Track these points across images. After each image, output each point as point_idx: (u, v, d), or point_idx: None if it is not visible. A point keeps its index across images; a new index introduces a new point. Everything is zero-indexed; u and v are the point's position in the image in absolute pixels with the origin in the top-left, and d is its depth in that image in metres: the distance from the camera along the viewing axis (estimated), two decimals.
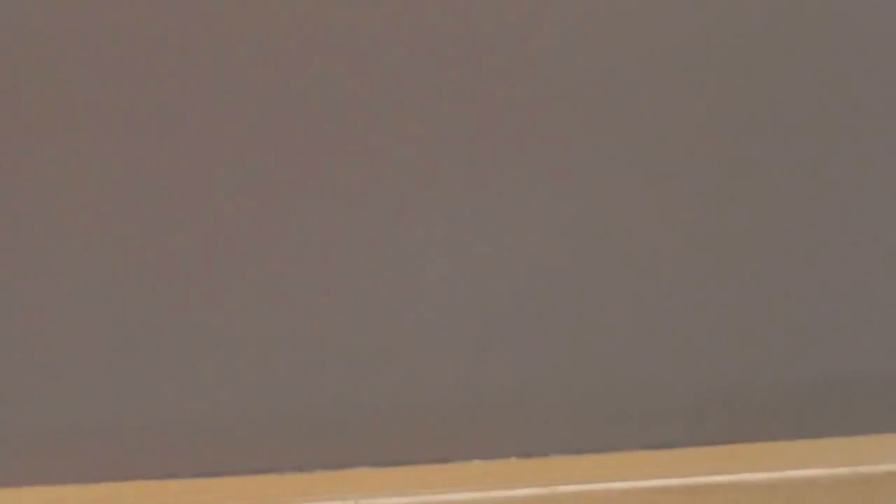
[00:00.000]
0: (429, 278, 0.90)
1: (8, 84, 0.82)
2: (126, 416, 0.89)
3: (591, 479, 0.93)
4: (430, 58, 0.86)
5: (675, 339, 0.94)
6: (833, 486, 0.95)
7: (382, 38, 0.85)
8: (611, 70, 0.88)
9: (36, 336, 0.88)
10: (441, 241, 0.90)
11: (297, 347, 0.90)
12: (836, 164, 0.91)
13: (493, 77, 0.87)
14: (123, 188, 0.86)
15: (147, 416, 0.90)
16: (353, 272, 0.90)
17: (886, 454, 0.96)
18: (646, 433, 0.96)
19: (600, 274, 0.91)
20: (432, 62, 0.86)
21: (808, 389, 0.96)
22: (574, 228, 0.91)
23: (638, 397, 0.95)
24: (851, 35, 0.89)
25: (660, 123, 0.89)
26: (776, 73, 0.89)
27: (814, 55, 0.89)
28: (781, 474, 0.94)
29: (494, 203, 0.89)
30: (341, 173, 0.87)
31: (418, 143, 0.88)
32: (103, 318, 0.88)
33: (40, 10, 0.81)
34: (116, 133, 0.85)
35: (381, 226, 0.89)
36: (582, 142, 0.89)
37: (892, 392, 0.97)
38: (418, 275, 0.89)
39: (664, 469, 0.94)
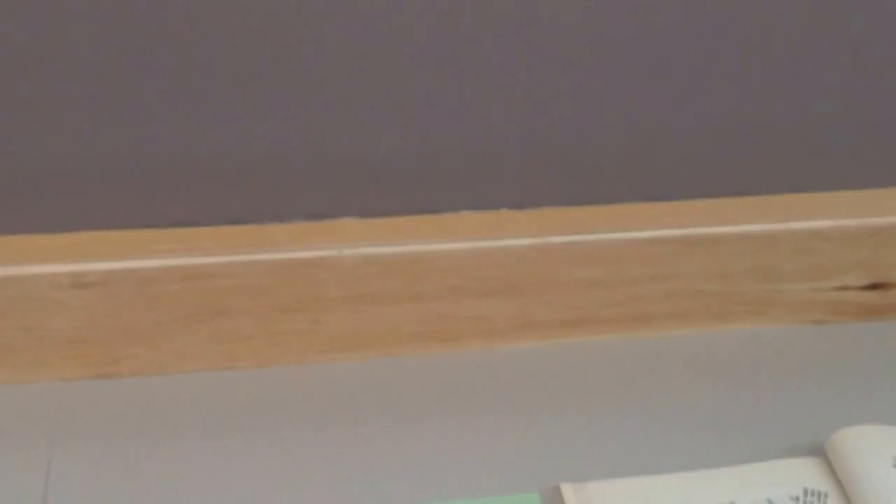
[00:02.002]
0: (415, 16, 0.84)
1: None
2: (97, 162, 0.85)
3: (585, 230, 0.89)
4: None
5: (674, 84, 0.88)
6: (840, 238, 0.91)
7: None
8: None
9: None
10: None
11: (275, 90, 0.85)
12: None
13: None
14: None
15: (121, 163, 0.85)
16: None
17: None
18: (644, 185, 0.92)
19: (595, 13, 0.85)
20: None
21: (813, 140, 0.92)
22: None
23: (636, 146, 0.90)
24: None
25: None
26: None
27: None
28: (785, 226, 0.90)
29: None
30: None
31: None
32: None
33: None
34: None
35: None
36: None
37: None
38: (405, 5, 0.84)
39: (662, 220, 0.90)
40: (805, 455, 0.84)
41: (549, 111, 0.88)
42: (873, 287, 0.94)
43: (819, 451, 0.84)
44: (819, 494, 0.81)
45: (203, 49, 0.83)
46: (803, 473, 0.83)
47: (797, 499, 0.81)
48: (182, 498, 0.80)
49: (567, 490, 0.81)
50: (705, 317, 0.93)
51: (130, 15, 0.81)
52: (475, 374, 0.90)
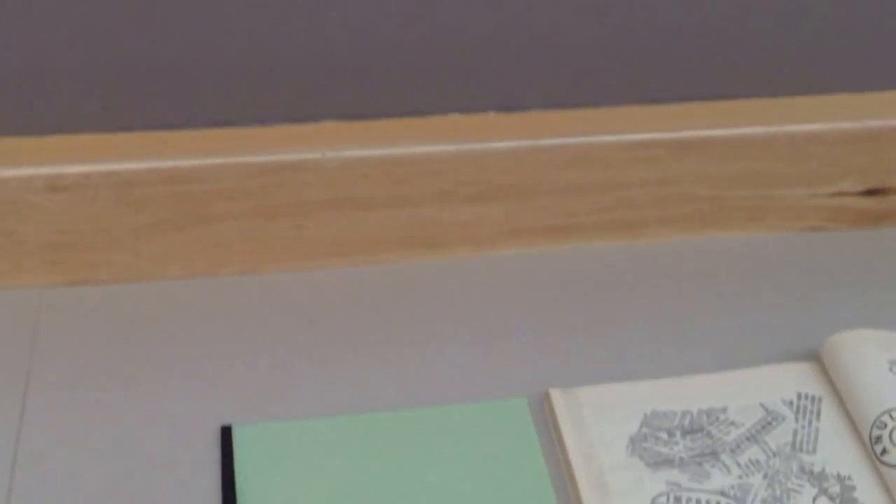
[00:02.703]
0: None
1: None
2: (74, 64, 0.82)
3: (575, 133, 0.86)
4: None
5: None
6: (838, 142, 0.89)
7: None
8: None
9: None
10: None
11: None
12: None
13: None
14: None
15: (98, 64, 0.82)
16: None
17: None
18: (636, 87, 0.89)
19: None
20: None
21: (812, 42, 0.89)
22: None
23: (629, 48, 0.87)
24: None
25: None
26: None
27: None
28: (781, 129, 0.88)
29: None
30: None
31: None
32: None
33: None
34: None
35: None
36: None
37: None
38: None
39: (654, 123, 0.87)
40: (799, 360, 0.82)
41: (539, 11, 0.85)
42: (871, 193, 0.92)
43: (814, 357, 0.82)
44: (813, 398, 0.80)
45: None
46: (797, 378, 0.81)
47: (791, 403, 0.79)
48: (164, 405, 0.78)
49: (556, 395, 0.79)
50: (698, 223, 0.91)
51: None
52: (463, 282, 0.88)
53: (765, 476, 0.75)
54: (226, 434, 0.76)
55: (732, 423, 0.78)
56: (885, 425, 0.75)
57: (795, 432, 0.77)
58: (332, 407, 0.78)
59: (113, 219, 0.84)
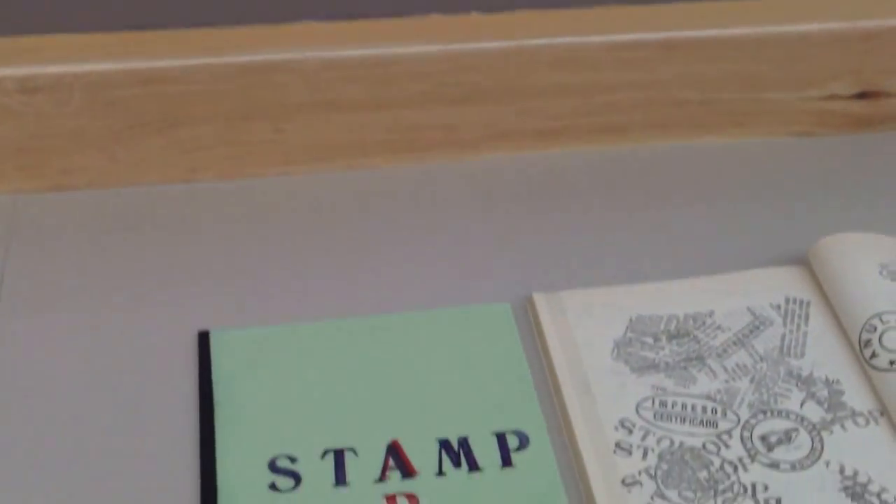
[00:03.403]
0: None
1: None
2: None
3: (559, 33, 0.84)
4: None
5: None
6: (829, 43, 0.87)
7: None
8: None
9: None
10: None
11: None
12: None
13: None
14: None
15: None
16: None
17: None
18: None
19: None
20: None
21: None
22: None
23: None
24: None
25: None
26: None
27: None
28: (771, 29, 0.86)
29: None
30: None
31: None
32: None
33: None
34: None
35: None
36: None
37: None
38: None
39: (641, 24, 0.85)
40: (788, 264, 0.81)
41: None
42: (863, 96, 0.90)
43: (803, 261, 0.81)
44: (801, 303, 0.78)
45: None
46: (786, 282, 0.80)
47: (778, 307, 0.78)
48: (142, 311, 0.77)
49: (539, 300, 0.78)
50: (685, 127, 0.89)
51: None
52: (445, 186, 0.87)
53: (752, 380, 0.74)
54: (203, 339, 0.75)
55: (719, 328, 0.77)
56: (875, 329, 0.73)
57: (783, 336, 0.76)
58: (312, 312, 0.77)
59: (88, 122, 0.82)
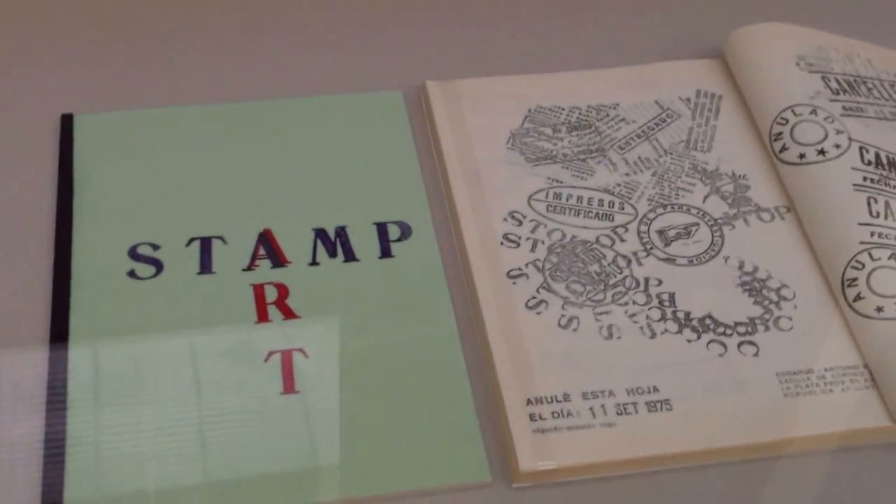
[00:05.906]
0: None
1: None
2: None
3: None
4: None
5: None
6: None
7: None
8: None
9: None
10: None
11: None
12: None
13: None
14: None
15: None
16: None
17: None
18: None
19: None
20: None
21: None
22: None
23: None
24: None
25: None
26: None
27: None
28: None
29: None
30: None
31: None
32: None
33: None
34: None
35: None
36: None
37: None
38: None
39: None
40: (702, 57, 0.76)
41: None
42: None
43: (718, 55, 0.76)
44: (713, 96, 0.73)
45: None
46: (697, 75, 0.75)
47: (688, 100, 0.73)
48: (2, 93, 0.71)
49: (432, 87, 0.72)
50: None
51: None
52: None
53: (654, 174, 0.69)
54: (66, 122, 0.69)
55: (623, 120, 0.72)
56: (787, 121, 0.69)
57: (691, 130, 0.71)
58: (188, 99, 0.71)
59: None
